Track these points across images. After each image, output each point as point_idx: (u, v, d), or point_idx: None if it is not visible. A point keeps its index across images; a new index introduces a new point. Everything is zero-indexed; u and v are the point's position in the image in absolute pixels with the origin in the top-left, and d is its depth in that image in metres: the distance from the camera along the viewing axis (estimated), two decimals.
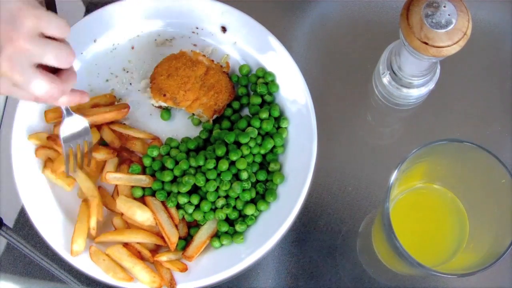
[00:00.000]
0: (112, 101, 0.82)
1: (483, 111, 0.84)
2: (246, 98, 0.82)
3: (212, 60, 0.82)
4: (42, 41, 0.60)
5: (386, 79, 0.78)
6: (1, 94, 0.64)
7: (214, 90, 0.79)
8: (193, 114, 0.81)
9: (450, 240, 0.70)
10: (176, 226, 0.76)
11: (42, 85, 0.62)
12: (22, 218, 0.80)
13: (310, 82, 0.80)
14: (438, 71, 0.77)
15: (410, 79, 0.75)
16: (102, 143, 0.80)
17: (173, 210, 0.77)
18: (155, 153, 0.79)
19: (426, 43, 0.64)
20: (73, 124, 0.75)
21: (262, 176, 0.78)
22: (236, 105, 0.82)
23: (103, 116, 0.79)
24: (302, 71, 0.80)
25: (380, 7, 0.88)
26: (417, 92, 0.78)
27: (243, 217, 0.77)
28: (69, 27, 0.62)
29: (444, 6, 0.64)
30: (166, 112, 0.82)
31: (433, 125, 0.83)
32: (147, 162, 0.79)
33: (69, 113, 0.75)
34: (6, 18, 0.59)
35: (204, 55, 0.81)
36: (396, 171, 0.61)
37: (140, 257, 0.75)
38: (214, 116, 0.80)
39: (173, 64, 0.79)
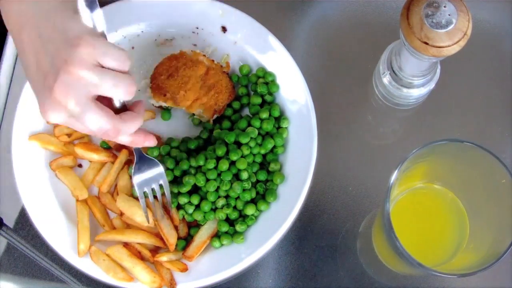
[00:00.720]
0: None
1: (483, 111, 0.84)
2: (246, 98, 0.82)
3: (212, 60, 0.82)
4: (98, 70, 0.58)
5: (386, 79, 0.78)
6: (60, 124, 0.62)
7: (215, 90, 0.79)
8: (193, 114, 0.81)
9: (450, 240, 0.70)
10: (175, 227, 0.76)
11: (95, 119, 0.60)
12: (22, 218, 0.80)
13: (310, 82, 0.80)
14: (438, 71, 0.77)
15: (411, 79, 0.75)
16: (103, 145, 0.80)
17: (173, 211, 0.77)
18: (155, 153, 0.79)
19: (427, 43, 0.64)
20: (146, 168, 0.73)
21: (262, 176, 0.78)
22: (236, 105, 0.82)
23: None
24: (302, 71, 0.80)
25: (380, 7, 0.88)
26: (417, 92, 0.77)
27: (243, 217, 0.77)
28: (129, 60, 0.60)
29: (444, 6, 0.64)
30: (166, 112, 0.82)
31: (433, 125, 0.83)
32: None
33: (141, 157, 0.73)
34: (64, 45, 0.58)
35: (204, 55, 0.81)
36: (396, 171, 0.61)
37: (140, 257, 0.75)
38: (215, 116, 0.80)
39: (173, 64, 0.79)
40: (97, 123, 0.60)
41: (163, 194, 0.75)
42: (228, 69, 0.83)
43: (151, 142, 0.69)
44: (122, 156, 0.79)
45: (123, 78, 0.60)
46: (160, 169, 0.73)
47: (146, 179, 0.74)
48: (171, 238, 0.75)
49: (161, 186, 0.75)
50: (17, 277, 0.79)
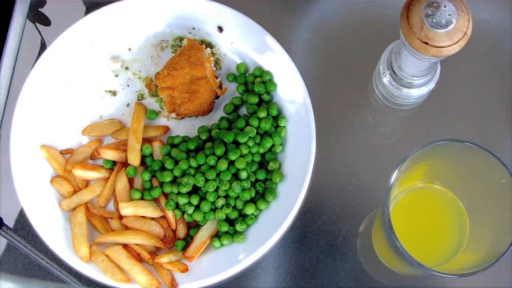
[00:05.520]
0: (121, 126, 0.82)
1: (483, 111, 0.84)
2: (244, 96, 0.82)
3: (216, 76, 0.81)
4: None
5: (386, 79, 0.78)
6: None
7: (193, 96, 0.79)
8: (162, 99, 0.81)
9: (450, 240, 0.70)
10: (173, 231, 0.77)
11: None
12: (22, 218, 0.80)
13: (310, 82, 0.80)
14: (438, 71, 0.77)
15: (411, 79, 0.75)
16: (106, 165, 0.80)
17: (170, 214, 0.77)
18: (147, 152, 0.79)
19: (427, 43, 0.64)
20: None
21: (261, 175, 0.77)
22: (235, 103, 0.82)
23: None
24: (302, 71, 0.80)
25: (380, 7, 0.88)
26: (417, 92, 0.77)
27: (243, 216, 0.77)
28: None
29: (444, 6, 0.64)
30: (151, 111, 0.82)
31: (433, 125, 0.83)
32: (148, 162, 0.79)
33: None
34: None
35: (211, 63, 0.80)
36: (396, 171, 0.61)
37: (139, 259, 0.75)
38: (173, 115, 0.80)
39: (178, 57, 0.80)
40: None
41: None
42: (222, 93, 0.81)
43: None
44: (118, 170, 0.79)
45: None
46: None
47: None
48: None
49: None
50: (17, 277, 0.79)
